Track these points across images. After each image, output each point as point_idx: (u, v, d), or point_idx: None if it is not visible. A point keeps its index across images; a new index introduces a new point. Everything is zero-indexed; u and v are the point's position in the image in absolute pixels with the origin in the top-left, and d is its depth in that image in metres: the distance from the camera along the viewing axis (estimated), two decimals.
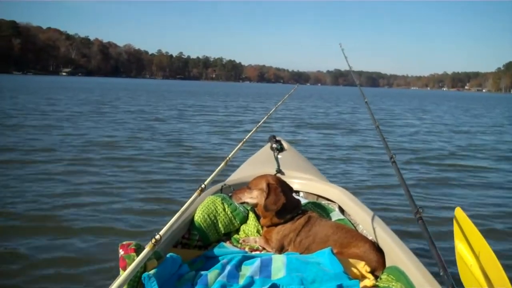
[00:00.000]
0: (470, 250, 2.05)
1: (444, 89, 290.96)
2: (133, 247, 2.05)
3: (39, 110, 19.82)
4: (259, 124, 3.97)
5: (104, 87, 56.13)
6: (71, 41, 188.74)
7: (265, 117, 4.32)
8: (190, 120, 19.22)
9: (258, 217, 3.07)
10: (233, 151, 2.93)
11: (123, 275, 1.58)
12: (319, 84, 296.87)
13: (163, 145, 11.48)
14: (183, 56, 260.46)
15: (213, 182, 2.52)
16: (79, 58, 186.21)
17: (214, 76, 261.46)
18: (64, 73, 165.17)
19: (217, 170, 2.42)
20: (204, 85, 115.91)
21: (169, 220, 1.94)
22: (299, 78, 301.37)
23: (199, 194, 2.13)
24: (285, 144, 4.40)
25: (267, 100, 42.58)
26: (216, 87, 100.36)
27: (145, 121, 17.54)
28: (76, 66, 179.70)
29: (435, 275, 2.12)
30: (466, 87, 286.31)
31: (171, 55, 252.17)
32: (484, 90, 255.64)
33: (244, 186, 3.04)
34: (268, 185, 2.88)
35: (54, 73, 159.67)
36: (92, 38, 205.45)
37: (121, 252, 2.04)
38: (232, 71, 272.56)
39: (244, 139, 3.36)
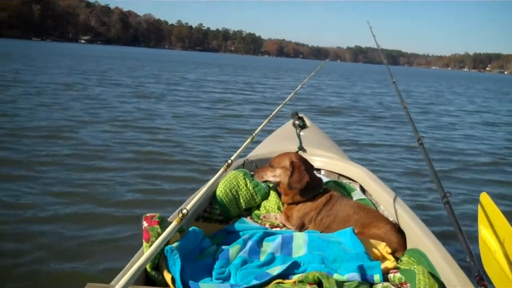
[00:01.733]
0: (495, 236, 2.03)
1: (465, 69, 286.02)
2: (156, 219, 2.06)
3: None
4: (286, 100, 3.95)
5: (117, 56, 55.76)
6: (91, 8, 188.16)
7: (292, 94, 4.29)
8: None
9: (279, 194, 3.07)
10: (258, 128, 2.92)
11: (149, 250, 1.59)
12: (339, 61, 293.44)
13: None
14: (202, 28, 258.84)
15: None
16: (99, 26, 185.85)
17: (233, 48, 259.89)
18: (83, 41, 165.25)
19: (243, 146, 2.42)
20: (221, 57, 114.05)
21: (195, 194, 1.95)
22: (318, 53, 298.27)
23: (226, 170, 2.13)
24: (307, 121, 4.37)
25: (289, 75, 41.91)
26: (234, 59, 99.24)
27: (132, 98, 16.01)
28: (95, 34, 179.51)
29: (457, 260, 2.11)
30: (487, 69, 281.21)
31: (191, 26, 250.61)
32: (506, 72, 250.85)
33: (266, 164, 3.03)
34: (292, 163, 2.86)
35: (73, 41, 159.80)
36: (112, 6, 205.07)
37: (145, 224, 2.06)
38: (251, 44, 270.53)
39: (270, 116, 3.34)
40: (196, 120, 11.55)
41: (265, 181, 3.01)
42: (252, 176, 3.03)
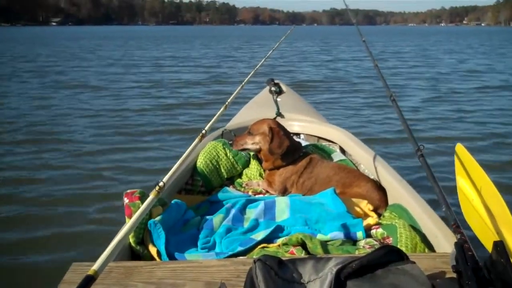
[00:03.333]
0: (472, 185, 2.06)
1: (442, 24, 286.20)
2: (137, 194, 2.07)
3: None
4: (257, 67, 3.91)
5: (79, 37, 54.15)
6: None
7: (262, 60, 4.26)
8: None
9: (260, 161, 3.08)
10: (232, 96, 2.91)
11: (129, 222, 1.60)
12: (315, 24, 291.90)
13: None
14: (175, 1, 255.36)
15: (213, 128, 2.51)
16: (69, 7, 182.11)
17: (207, 20, 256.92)
18: (54, 23, 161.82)
19: (216, 116, 2.41)
20: (193, 30, 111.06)
21: (172, 167, 1.94)
22: (295, 19, 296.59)
23: (200, 140, 2.12)
24: (283, 87, 4.36)
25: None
26: (206, 31, 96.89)
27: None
28: (66, 15, 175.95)
29: (438, 211, 2.15)
30: (464, 22, 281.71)
31: (163, 0, 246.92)
32: (483, 24, 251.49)
33: (244, 132, 3.03)
34: (271, 129, 2.87)
35: (43, 24, 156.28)
36: None
37: (126, 200, 2.06)
38: (226, 14, 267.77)
39: (243, 83, 3.32)
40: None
41: (245, 149, 3.01)
42: (231, 145, 3.03)
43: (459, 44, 38.07)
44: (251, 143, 2.94)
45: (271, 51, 4.75)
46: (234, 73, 16.38)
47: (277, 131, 2.89)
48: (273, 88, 4.25)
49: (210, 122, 2.30)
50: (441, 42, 40.99)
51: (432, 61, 21.56)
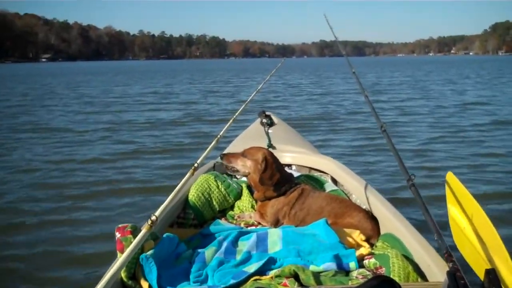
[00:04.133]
0: (463, 213, 2.07)
1: (431, 54, 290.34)
2: (129, 229, 2.06)
3: None
4: (248, 100, 3.96)
5: (66, 72, 53.32)
6: (50, 26, 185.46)
7: (254, 93, 4.31)
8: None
9: (252, 193, 3.08)
10: (224, 129, 2.93)
11: (121, 258, 1.59)
12: (305, 56, 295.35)
13: None
14: (165, 35, 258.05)
15: (205, 160, 2.52)
16: (59, 43, 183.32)
17: (198, 54, 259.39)
18: (44, 59, 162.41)
19: (209, 148, 2.42)
20: (183, 64, 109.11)
21: (164, 201, 1.94)
22: (285, 51, 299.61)
23: (192, 173, 2.13)
24: (275, 119, 4.40)
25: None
26: (196, 64, 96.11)
27: None
28: (56, 51, 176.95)
29: (430, 240, 2.16)
30: (452, 51, 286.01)
31: (153, 35, 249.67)
32: (471, 53, 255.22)
33: (238, 152, 3.03)
34: (266, 159, 2.88)
35: (33, 60, 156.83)
36: (71, 22, 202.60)
37: (118, 235, 2.05)
38: (216, 48, 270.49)
39: (234, 116, 3.35)
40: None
41: (232, 168, 2.98)
42: (221, 158, 3.00)
43: (455, 74, 36.74)
44: (241, 164, 2.94)
45: (262, 83, 4.81)
46: (215, 110, 14.70)
47: (271, 163, 2.90)
48: (264, 120, 4.28)
49: (202, 155, 2.31)
50: (434, 73, 39.55)
51: (432, 93, 19.74)
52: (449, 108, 14.23)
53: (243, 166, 2.94)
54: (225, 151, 4.06)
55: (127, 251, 1.50)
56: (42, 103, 17.88)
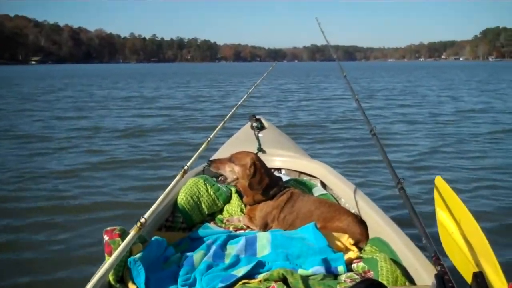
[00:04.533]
0: (451, 217, 2.08)
1: (421, 59, 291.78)
2: (117, 232, 2.05)
3: None
4: (239, 104, 3.96)
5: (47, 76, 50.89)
6: (40, 28, 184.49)
7: (245, 96, 4.31)
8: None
9: (241, 197, 3.07)
10: (214, 132, 2.92)
11: (109, 260, 1.58)
12: (296, 61, 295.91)
13: None
14: (156, 39, 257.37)
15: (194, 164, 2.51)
16: (49, 45, 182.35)
17: (189, 57, 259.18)
18: (33, 62, 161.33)
19: (198, 152, 2.41)
20: (174, 67, 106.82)
21: (153, 203, 1.93)
22: (276, 55, 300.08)
23: (182, 176, 2.12)
24: (265, 123, 4.40)
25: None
26: (186, 68, 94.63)
27: None
28: (46, 53, 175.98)
29: (418, 243, 2.16)
30: (443, 57, 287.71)
31: (144, 38, 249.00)
32: (461, 59, 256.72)
33: (225, 157, 3.00)
34: (254, 164, 2.87)
35: (23, 62, 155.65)
36: (62, 24, 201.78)
37: (106, 237, 2.04)
38: (207, 51, 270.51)
39: (225, 120, 3.35)
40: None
41: (220, 175, 2.94)
42: (209, 165, 2.97)
43: (446, 79, 35.97)
44: (229, 170, 2.91)
45: (253, 87, 4.80)
46: (202, 117, 13.69)
47: (259, 167, 2.89)
48: (254, 124, 4.27)
49: (192, 158, 2.30)
50: (425, 78, 38.34)
51: (427, 99, 19.09)
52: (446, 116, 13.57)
53: (231, 172, 2.91)
54: (215, 155, 4.06)
55: (116, 253, 1.49)
56: (18, 107, 16.97)
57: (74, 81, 37.81)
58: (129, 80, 39.82)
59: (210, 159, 3.04)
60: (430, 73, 52.88)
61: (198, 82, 36.86)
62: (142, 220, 1.67)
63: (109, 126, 11.73)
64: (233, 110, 3.66)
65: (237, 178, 2.91)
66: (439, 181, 2.28)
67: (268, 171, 2.98)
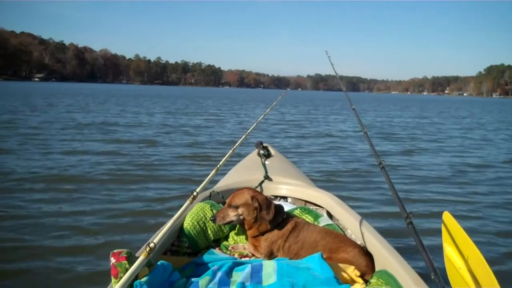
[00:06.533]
0: (459, 253, 2.08)
1: (424, 93, 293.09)
2: (124, 255, 2.04)
3: None
4: (249, 131, 3.99)
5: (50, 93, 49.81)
6: (45, 45, 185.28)
7: (255, 124, 4.35)
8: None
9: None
10: (223, 159, 2.94)
11: (117, 285, 1.58)
12: (300, 89, 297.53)
13: None
14: (161, 61, 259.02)
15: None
16: (53, 63, 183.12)
17: (193, 81, 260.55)
18: (36, 79, 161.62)
19: (208, 178, 2.43)
20: (177, 90, 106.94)
21: (162, 228, 1.94)
22: (280, 83, 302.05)
23: (191, 202, 2.13)
24: (272, 150, 4.42)
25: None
26: (190, 91, 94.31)
27: None
28: (50, 71, 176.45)
29: (424, 277, 2.16)
30: (446, 91, 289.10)
31: (149, 60, 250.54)
32: (465, 94, 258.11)
33: (224, 206, 2.94)
34: (253, 197, 2.84)
35: (26, 79, 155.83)
36: (67, 42, 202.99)
37: (113, 260, 2.03)
38: (211, 76, 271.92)
39: (234, 147, 3.37)
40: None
41: (229, 222, 2.89)
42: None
43: (460, 116, 34.07)
44: (234, 215, 2.86)
45: (262, 116, 4.85)
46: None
47: (261, 198, 2.87)
48: (261, 151, 4.30)
49: (202, 185, 2.32)
50: (444, 113, 36.98)
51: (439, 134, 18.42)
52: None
53: (236, 215, 2.85)
54: (221, 182, 4.08)
55: (125, 277, 1.49)
56: None
57: (72, 100, 35.57)
58: (129, 101, 38.77)
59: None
60: (447, 106, 51.88)
61: (203, 106, 35.55)
62: (152, 245, 1.68)
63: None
64: (242, 138, 3.69)
65: (244, 218, 2.86)
66: (447, 216, 2.29)
67: (269, 200, 2.97)
